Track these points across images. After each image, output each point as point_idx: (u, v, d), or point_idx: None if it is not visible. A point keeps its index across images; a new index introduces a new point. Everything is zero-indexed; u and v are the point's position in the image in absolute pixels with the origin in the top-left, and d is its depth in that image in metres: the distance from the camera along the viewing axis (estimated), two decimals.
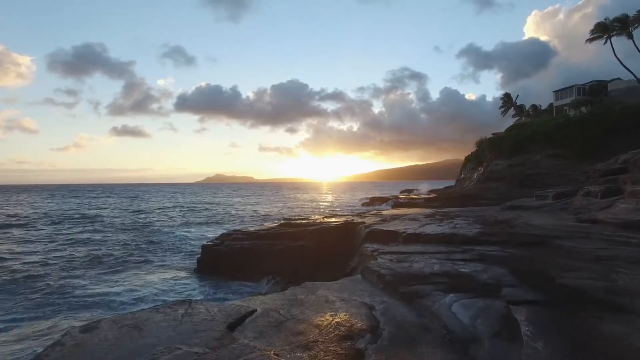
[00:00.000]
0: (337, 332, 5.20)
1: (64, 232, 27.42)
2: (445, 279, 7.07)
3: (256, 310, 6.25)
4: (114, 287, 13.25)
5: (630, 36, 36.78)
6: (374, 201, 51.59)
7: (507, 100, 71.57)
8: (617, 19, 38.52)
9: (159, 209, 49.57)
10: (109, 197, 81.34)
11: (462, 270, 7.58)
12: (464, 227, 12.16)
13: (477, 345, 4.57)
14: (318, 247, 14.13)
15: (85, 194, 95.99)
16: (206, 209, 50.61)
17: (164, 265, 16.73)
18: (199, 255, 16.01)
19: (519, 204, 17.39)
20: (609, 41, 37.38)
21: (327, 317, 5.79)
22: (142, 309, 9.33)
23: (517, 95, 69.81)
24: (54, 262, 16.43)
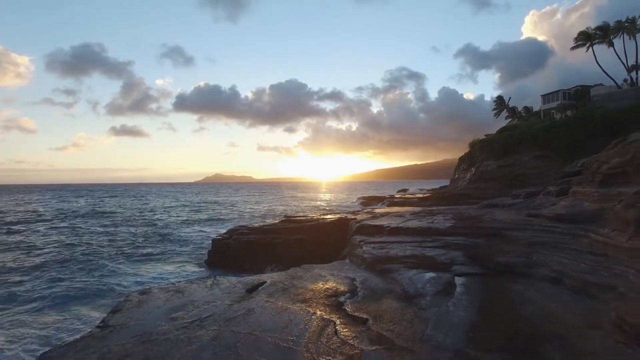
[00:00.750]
0: (325, 293, 7.28)
1: (82, 226, 29.45)
2: (412, 260, 9.13)
3: (266, 282, 8.34)
4: (138, 273, 15.28)
5: (611, 44, 38.73)
6: (370, 200, 53.57)
7: (500, 103, 73.55)
8: (599, 28, 40.54)
9: (164, 207, 51.60)
10: (113, 196, 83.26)
11: (427, 254, 9.64)
12: (440, 222, 14.22)
13: (422, 298, 6.64)
14: (315, 240, 16.17)
15: (88, 193, 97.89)
16: (210, 207, 52.69)
17: (178, 257, 18.72)
18: (210, 248, 18.03)
19: (495, 202, 19.45)
20: (591, 49, 39.37)
21: (319, 285, 7.87)
22: (179, 281, 11.40)
23: (510, 98, 71.74)
24: (82, 252, 18.43)
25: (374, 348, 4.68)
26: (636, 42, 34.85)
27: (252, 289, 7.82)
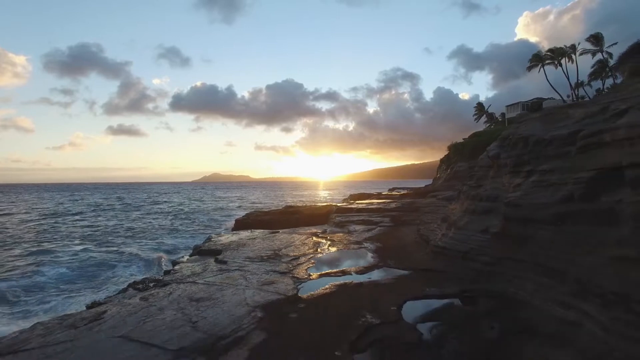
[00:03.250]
0: (310, 231, 14.76)
1: (122, 215, 36.70)
2: (359, 221, 16.59)
3: (279, 230, 15.73)
4: (203, 233, 22.88)
5: (560, 65, 46.22)
6: (360, 197, 60.84)
7: (480, 109, 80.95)
8: (550, 50, 48.03)
9: (179, 202, 58.82)
10: (125, 193, 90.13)
11: (369, 219, 17.05)
12: (391, 205, 21.61)
13: (356, 233, 14.06)
14: (309, 218, 23.54)
15: (93, 192, 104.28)
16: (220, 201, 60.11)
17: (218, 229, 26.18)
18: (233, 225, 25.33)
19: (439, 194, 26.85)
20: (542, 69, 46.87)
21: (308, 231, 15.34)
22: (228, 234, 18.59)
23: (490, 105, 79.07)
24: (143, 230, 25.75)
25: (327, 244, 12.08)
26: (577, 64, 42.17)
27: (274, 232, 15.22)
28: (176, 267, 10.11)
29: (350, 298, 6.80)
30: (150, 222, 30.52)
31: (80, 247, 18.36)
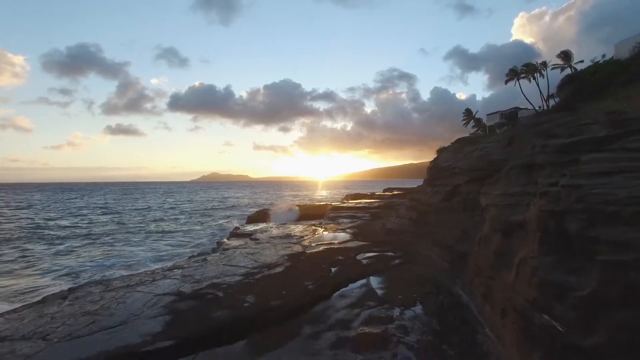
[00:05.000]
0: (308, 227, 20.58)
1: (166, 217, 42.53)
2: (347, 216, 22.43)
3: (286, 222, 21.63)
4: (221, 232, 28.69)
5: (534, 78, 52.05)
6: (356, 197, 66.69)
7: (468, 114, 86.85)
8: (525, 65, 53.84)
9: (190, 200, 64.79)
10: (133, 193, 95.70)
11: (354, 215, 22.92)
12: (373, 204, 27.47)
13: (343, 223, 19.93)
14: (309, 214, 29.42)
15: (96, 192, 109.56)
16: (229, 200, 66.36)
17: (235, 222, 32.06)
18: (246, 219, 31.19)
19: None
20: (518, 82, 52.70)
21: (306, 224, 21.14)
22: (245, 225, 24.62)
23: (477, 111, 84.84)
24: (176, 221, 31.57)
25: (322, 230, 17.92)
26: (547, 79, 48.19)
27: (283, 224, 21.06)
28: (227, 242, 15.98)
29: (331, 253, 12.66)
30: (187, 220, 36.40)
31: (164, 241, 24.65)
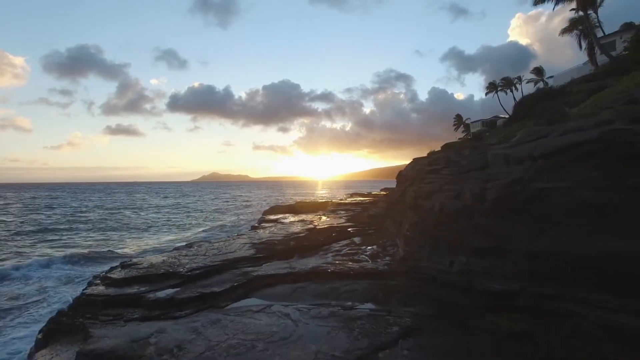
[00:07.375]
0: (315, 217, 27.94)
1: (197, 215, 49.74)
2: (344, 209, 29.83)
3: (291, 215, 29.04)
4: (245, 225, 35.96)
5: (511, 91, 59.30)
6: (354, 195, 74.00)
7: (458, 120, 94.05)
8: (503, 79, 61.23)
9: (200, 199, 72.05)
10: (140, 193, 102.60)
11: (350, 208, 30.32)
12: (366, 201, 34.83)
13: (341, 214, 27.31)
14: (314, 209, 36.76)
15: (100, 191, 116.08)
16: (236, 199, 73.67)
17: (250, 221, 39.32)
18: (258, 218, 38.49)
19: (391, 192, 39.95)
20: (497, 95, 59.91)
21: (313, 215, 28.52)
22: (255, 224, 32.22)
23: (468, 118, 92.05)
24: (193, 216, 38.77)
25: (326, 217, 25.25)
26: (522, 91, 55.23)
27: (295, 215, 28.40)
28: (261, 225, 23.32)
29: (331, 229, 19.93)
30: (215, 215, 43.77)
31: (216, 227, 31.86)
